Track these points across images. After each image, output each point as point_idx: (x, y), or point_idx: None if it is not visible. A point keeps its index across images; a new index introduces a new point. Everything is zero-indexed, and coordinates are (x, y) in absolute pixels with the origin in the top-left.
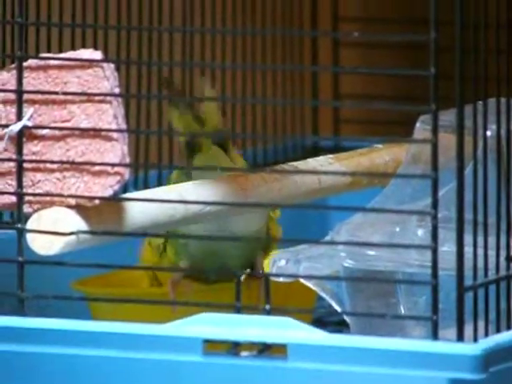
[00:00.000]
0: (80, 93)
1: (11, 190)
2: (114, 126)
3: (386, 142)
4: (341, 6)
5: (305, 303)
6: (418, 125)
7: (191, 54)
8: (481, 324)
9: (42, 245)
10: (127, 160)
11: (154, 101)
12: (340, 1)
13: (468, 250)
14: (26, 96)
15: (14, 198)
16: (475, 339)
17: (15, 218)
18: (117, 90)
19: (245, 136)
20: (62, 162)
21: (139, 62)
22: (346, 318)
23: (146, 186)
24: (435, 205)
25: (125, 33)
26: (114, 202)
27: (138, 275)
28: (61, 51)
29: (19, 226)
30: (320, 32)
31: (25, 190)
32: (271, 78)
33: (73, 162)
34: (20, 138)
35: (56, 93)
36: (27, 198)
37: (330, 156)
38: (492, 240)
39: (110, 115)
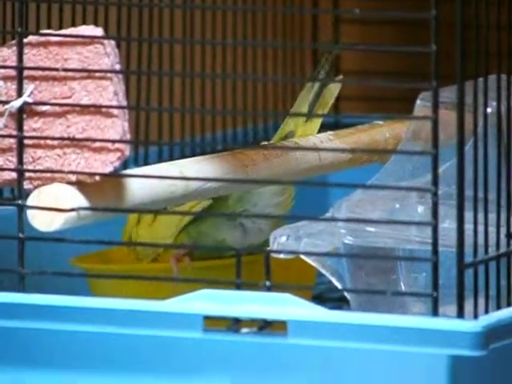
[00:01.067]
0: (80, 69)
1: (12, 166)
2: (114, 103)
3: (387, 119)
4: None
5: (305, 280)
6: (418, 102)
7: (192, 30)
8: (481, 301)
9: (42, 221)
10: (128, 136)
11: (155, 77)
12: None
13: (468, 226)
14: (26, 72)
15: (14, 175)
16: (475, 316)
17: (16, 194)
18: (117, 67)
19: (245, 113)
20: (62, 139)
21: (140, 38)
22: (346, 294)
23: (147, 163)
24: (435, 181)
25: (125, 9)
26: (115, 178)
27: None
28: (61, 28)
29: (19, 202)
30: (321, 10)
31: (25, 167)
32: (272, 55)
33: (73, 139)
34: (20, 115)
35: (56, 69)
36: (28, 174)
37: (331, 133)
38: (492, 217)
39: (110, 92)
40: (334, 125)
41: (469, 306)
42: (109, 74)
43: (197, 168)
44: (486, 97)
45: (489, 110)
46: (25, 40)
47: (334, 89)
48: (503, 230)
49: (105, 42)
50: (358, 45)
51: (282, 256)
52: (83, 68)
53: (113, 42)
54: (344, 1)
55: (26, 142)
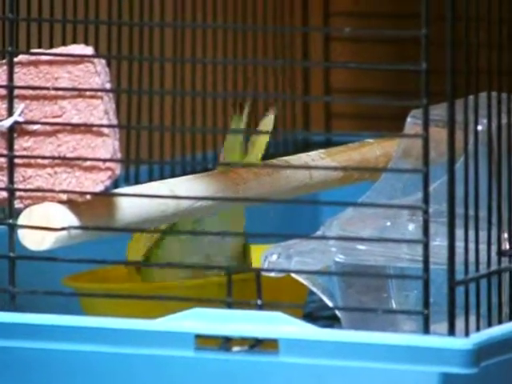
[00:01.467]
0: (71, 88)
1: (2, 185)
2: (105, 122)
3: (377, 137)
4: (332, 1)
5: (296, 298)
6: (408, 119)
7: (182, 48)
8: (472, 318)
9: (33, 240)
10: (118, 155)
11: (145, 96)
12: None
13: (459, 244)
14: (16, 91)
15: (5, 194)
16: (466, 333)
17: (6, 213)
18: (108, 86)
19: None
20: (53, 158)
21: (130, 57)
22: (337, 312)
23: (137, 182)
24: (426, 199)
25: (116, 28)
26: (106, 197)
27: (131, 270)
28: (52, 47)
29: (10, 221)
30: (311, 28)
31: (16, 186)
32: (262, 73)
33: (64, 158)
34: (11, 134)
35: (47, 88)
36: (18, 193)
37: (322, 151)
38: (483, 234)
39: (101, 111)
40: (325, 143)
41: (460, 324)
42: (99, 93)
43: (187, 187)
44: (476, 114)
45: (479, 127)
46: (15, 59)
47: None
48: (494, 248)
49: (95, 61)
50: (348, 62)
51: (272, 274)
52: (74, 87)
53: (103, 61)
54: (334, 18)
55: (17, 161)
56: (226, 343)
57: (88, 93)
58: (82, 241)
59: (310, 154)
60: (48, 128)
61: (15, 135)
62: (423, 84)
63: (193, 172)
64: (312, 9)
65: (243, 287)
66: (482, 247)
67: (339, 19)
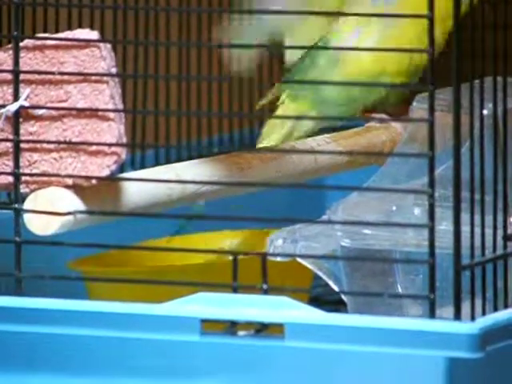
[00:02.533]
0: (77, 73)
1: (8, 170)
2: (110, 106)
3: (383, 121)
4: None
5: (302, 282)
6: (414, 104)
7: (188, 32)
8: (478, 303)
9: (39, 225)
10: (124, 140)
11: (151, 80)
12: None
13: (465, 228)
14: (22, 76)
15: (10, 179)
16: (472, 318)
17: (12, 198)
18: (114, 70)
19: (242, 115)
20: (58, 142)
21: (136, 41)
22: (343, 297)
23: (143, 166)
24: (432, 183)
25: (121, 12)
26: (111, 181)
27: (137, 254)
28: (57, 31)
29: (16, 206)
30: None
31: (22, 171)
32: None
33: (70, 142)
34: (17, 118)
35: (52, 73)
36: (24, 178)
37: (327, 135)
38: (489, 218)
39: (106, 95)
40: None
41: (466, 308)
42: (105, 78)
43: (193, 171)
44: (482, 99)
45: (485, 112)
46: (21, 44)
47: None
48: (500, 232)
49: (101, 46)
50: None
51: (278, 259)
52: (79, 71)
53: (109, 46)
54: None
55: (23, 145)
56: (231, 327)
57: (94, 77)
58: (87, 225)
59: (315, 138)
60: (53, 113)
61: (21, 120)
62: (429, 68)
63: (199, 156)
64: None
65: (249, 270)
66: (488, 232)
67: None
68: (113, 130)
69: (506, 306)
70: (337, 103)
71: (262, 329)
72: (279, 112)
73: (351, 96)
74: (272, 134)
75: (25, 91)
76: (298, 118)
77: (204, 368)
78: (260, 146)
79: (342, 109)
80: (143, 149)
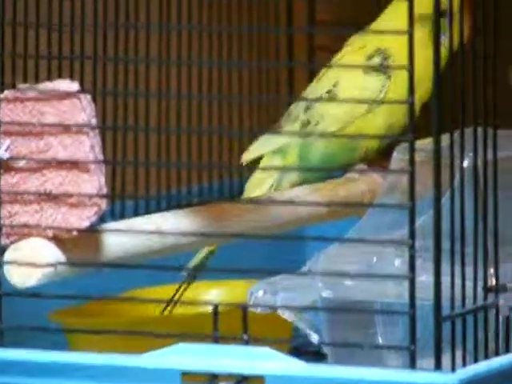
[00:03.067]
0: (57, 124)
1: None
2: (90, 157)
3: (364, 172)
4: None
5: (282, 333)
6: (394, 154)
7: (167, 84)
8: (458, 354)
9: (19, 276)
10: (104, 191)
11: (130, 132)
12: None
13: (445, 279)
14: (2, 127)
15: None
16: (453, 369)
17: None
18: (93, 121)
19: (221, 166)
20: (39, 194)
21: (115, 92)
22: (323, 348)
23: (123, 217)
24: (412, 234)
25: (101, 63)
26: (92, 233)
27: (117, 305)
28: (37, 82)
29: None
30: (296, 62)
31: (2, 222)
32: (248, 109)
33: (50, 194)
34: None
35: (33, 124)
36: (4, 229)
37: (307, 186)
38: (469, 270)
39: (86, 146)
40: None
41: (446, 359)
42: (85, 129)
43: (173, 222)
44: (462, 150)
45: (465, 163)
46: (1, 95)
47: None
48: (480, 283)
49: (81, 97)
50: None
51: (259, 310)
52: (59, 123)
53: (89, 96)
54: (319, 52)
55: (3, 197)
56: (212, 380)
57: (74, 128)
58: (68, 276)
59: (295, 189)
60: (34, 164)
61: (1, 171)
62: (409, 118)
63: (178, 207)
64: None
65: (229, 321)
66: (469, 283)
67: (323, 53)
68: (93, 181)
69: (486, 358)
70: (318, 162)
71: (242, 380)
72: (263, 165)
73: (333, 157)
74: (257, 189)
75: (5, 142)
76: (279, 169)
77: None
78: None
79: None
80: (123, 199)
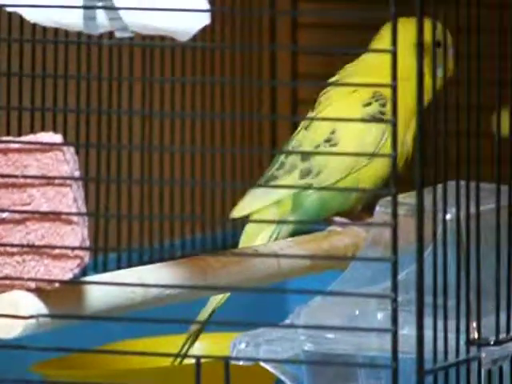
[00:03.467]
0: (40, 176)
1: None
2: (73, 210)
3: (347, 225)
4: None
5: None
6: (377, 208)
7: (150, 136)
8: None
9: (1, 328)
10: (87, 243)
11: (113, 184)
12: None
13: (428, 333)
14: None
15: None
16: None
17: None
18: (77, 174)
19: (204, 219)
20: (21, 246)
21: (98, 144)
22: None
23: (106, 269)
24: (395, 288)
25: (84, 116)
26: (74, 285)
27: (100, 357)
28: (20, 134)
29: None
30: (279, 116)
31: None
32: (230, 161)
33: (33, 246)
34: None
35: (16, 176)
36: None
37: (290, 239)
38: (452, 323)
39: (69, 198)
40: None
41: None
42: (68, 181)
43: (156, 275)
44: (444, 203)
45: (448, 216)
46: None
47: None
48: (463, 337)
49: (64, 149)
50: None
51: (241, 363)
52: (42, 175)
53: (72, 149)
54: (302, 108)
55: None
56: None
57: (57, 181)
58: (50, 329)
59: (278, 242)
60: (17, 216)
61: None
62: (392, 172)
63: (161, 260)
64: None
65: (212, 374)
66: (451, 336)
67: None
68: (76, 234)
69: None
70: (313, 210)
71: None
72: (258, 216)
73: (329, 203)
74: (256, 238)
75: None
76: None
77: None
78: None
79: (318, 215)
80: (106, 252)
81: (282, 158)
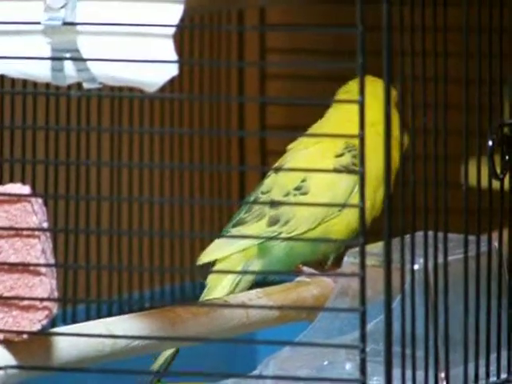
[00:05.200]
0: (8, 227)
1: None
2: (42, 261)
3: (314, 276)
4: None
5: None
6: (345, 258)
7: (119, 188)
8: None
9: None
10: (55, 294)
11: (82, 235)
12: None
13: (396, 383)
14: None
15: None
16: None
17: None
18: (45, 225)
19: (173, 270)
20: None
21: (67, 196)
22: None
23: (75, 321)
24: (363, 338)
25: (53, 167)
26: (43, 336)
27: None
28: None
29: None
30: (248, 166)
31: None
32: (198, 213)
33: (1, 297)
34: None
35: None
36: None
37: (259, 290)
38: (420, 373)
39: (38, 250)
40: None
41: None
42: (36, 232)
43: (125, 326)
44: (412, 254)
45: (416, 266)
46: None
47: None
48: None
49: (32, 200)
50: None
51: None
52: (11, 226)
53: (40, 200)
54: (271, 159)
55: None
56: None
57: (25, 232)
58: (18, 380)
59: (246, 293)
60: None
61: None
62: (360, 222)
63: (130, 311)
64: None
65: None
66: None
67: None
68: (44, 285)
69: None
70: (280, 259)
71: None
72: (224, 262)
73: (295, 254)
74: (219, 285)
75: None
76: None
77: None
78: (208, 297)
79: (285, 263)
80: (74, 304)
81: (249, 204)
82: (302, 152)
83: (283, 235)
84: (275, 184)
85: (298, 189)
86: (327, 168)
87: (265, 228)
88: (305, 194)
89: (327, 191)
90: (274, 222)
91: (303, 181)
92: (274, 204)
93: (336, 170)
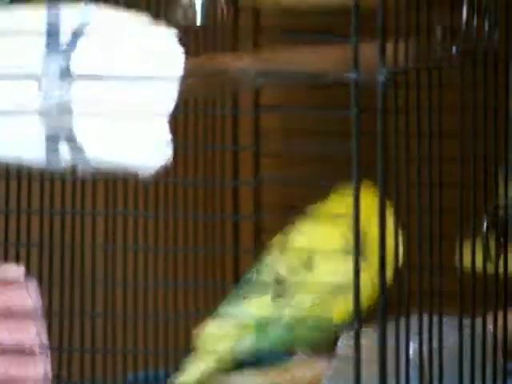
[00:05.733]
0: (3, 310)
1: None
2: (36, 343)
3: (310, 358)
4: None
5: None
6: (340, 341)
7: (113, 268)
8: None
9: None
10: (49, 376)
11: (76, 317)
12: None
13: None
14: None
15: None
16: None
17: None
18: (39, 307)
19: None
20: None
21: (61, 277)
22: None
23: None
24: None
25: (47, 248)
26: None
27: None
28: None
29: None
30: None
31: None
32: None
33: None
34: None
35: None
36: None
37: (254, 371)
38: None
39: (32, 332)
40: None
41: None
42: (31, 314)
43: None
44: (407, 337)
45: (411, 350)
46: None
47: None
48: None
49: (27, 283)
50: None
51: None
52: (6, 308)
53: (35, 282)
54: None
55: None
56: None
57: (20, 314)
58: None
59: (242, 374)
60: None
61: None
62: (355, 308)
63: None
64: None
65: None
66: None
67: (270, 195)
68: (38, 366)
69: None
70: (281, 334)
71: None
72: (216, 330)
73: (294, 329)
74: (207, 354)
75: None
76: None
77: None
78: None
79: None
80: (69, 382)
81: (251, 277)
82: (310, 228)
83: (287, 309)
84: (278, 260)
85: (304, 265)
86: (334, 248)
87: (268, 302)
88: (310, 270)
89: (333, 274)
90: (277, 297)
91: (309, 257)
92: (279, 278)
93: (342, 251)
